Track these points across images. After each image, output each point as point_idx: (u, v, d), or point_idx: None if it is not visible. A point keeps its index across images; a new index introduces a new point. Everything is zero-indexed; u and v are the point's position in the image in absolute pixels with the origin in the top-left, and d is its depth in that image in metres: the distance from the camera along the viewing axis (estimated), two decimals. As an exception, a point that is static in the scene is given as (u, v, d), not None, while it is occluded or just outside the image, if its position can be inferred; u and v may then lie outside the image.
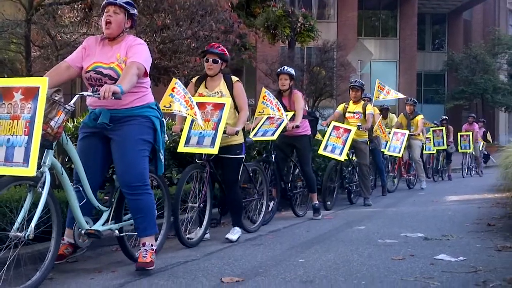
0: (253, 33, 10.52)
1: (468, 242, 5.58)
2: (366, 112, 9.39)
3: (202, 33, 8.63)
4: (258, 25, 16.35)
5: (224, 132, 5.62)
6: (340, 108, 9.80)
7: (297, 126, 7.29)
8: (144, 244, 4.42)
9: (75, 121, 7.60)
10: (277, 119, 7.18)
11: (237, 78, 6.04)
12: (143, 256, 4.34)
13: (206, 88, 5.96)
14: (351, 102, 9.66)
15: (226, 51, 5.98)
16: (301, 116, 7.45)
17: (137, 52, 4.31)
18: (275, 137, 7.15)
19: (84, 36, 8.08)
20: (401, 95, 11.14)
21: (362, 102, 9.66)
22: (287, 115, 7.28)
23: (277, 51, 20.56)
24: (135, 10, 4.52)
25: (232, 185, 5.99)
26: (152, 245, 4.43)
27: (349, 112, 9.59)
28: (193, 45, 9.18)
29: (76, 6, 9.20)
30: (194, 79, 6.20)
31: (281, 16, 16.18)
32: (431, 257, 4.82)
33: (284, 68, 7.82)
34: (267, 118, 7.27)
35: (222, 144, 5.69)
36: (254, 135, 7.22)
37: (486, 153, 19.11)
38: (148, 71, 4.40)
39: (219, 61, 5.85)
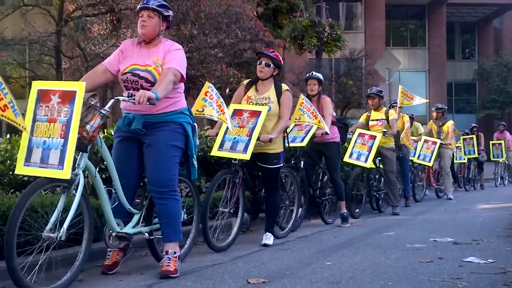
0: (279, 42, 10.57)
1: (498, 246, 5.52)
2: (390, 118, 9.31)
3: (228, 41, 8.72)
4: (285, 36, 16.40)
5: (258, 138, 5.65)
6: (363, 118, 9.75)
7: (327, 133, 7.28)
8: (167, 252, 4.45)
9: (105, 131, 7.70)
10: (305, 126, 7.18)
11: (287, 87, 6.05)
12: (167, 265, 4.38)
13: (256, 91, 6.01)
14: (372, 110, 9.61)
15: (280, 58, 6.02)
16: (329, 122, 7.45)
17: (175, 58, 4.36)
18: (304, 143, 7.16)
19: (113, 48, 8.24)
20: (425, 100, 11.05)
21: (384, 108, 9.59)
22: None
23: (305, 61, 20.59)
24: (170, 11, 4.55)
25: (271, 191, 6.04)
26: (175, 253, 4.45)
27: (372, 120, 9.51)
28: (220, 54, 9.27)
29: (104, 19, 9.37)
30: (245, 82, 6.28)
31: (307, 26, 16.21)
32: (460, 259, 4.79)
33: (312, 73, 7.87)
34: (296, 125, 7.28)
35: (260, 151, 5.74)
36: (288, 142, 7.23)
37: None
38: (184, 76, 4.44)
39: (271, 65, 5.90)
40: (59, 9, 8.90)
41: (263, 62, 5.89)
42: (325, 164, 7.93)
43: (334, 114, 8.05)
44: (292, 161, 7.65)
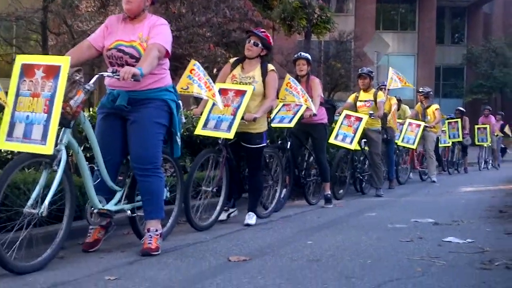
0: (268, 22, 10.54)
1: (478, 227, 5.60)
2: (378, 100, 9.29)
3: (216, 20, 8.69)
4: (274, 17, 16.34)
5: (243, 118, 5.65)
6: (351, 98, 9.73)
7: (315, 114, 7.29)
8: (149, 230, 4.44)
9: (91, 110, 7.67)
10: (294, 106, 7.17)
11: (273, 68, 6.05)
12: (148, 242, 4.38)
13: (242, 69, 6.00)
14: (361, 91, 9.60)
15: (270, 40, 6.01)
16: (318, 103, 7.44)
17: (160, 33, 4.33)
18: (292, 124, 7.13)
19: (100, 25, 8.16)
20: (410, 85, 11.17)
21: (373, 90, 9.57)
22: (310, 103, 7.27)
23: (294, 43, 20.55)
24: None
25: (254, 171, 6.06)
26: (156, 230, 4.45)
27: (360, 101, 9.46)
28: (208, 34, 9.24)
29: (93, -4, 9.32)
30: (231, 60, 6.28)
31: (297, 7, 16.10)
32: (440, 239, 4.86)
33: (300, 53, 7.86)
34: (284, 105, 7.27)
35: (243, 130, 5.74)
36: (271, 122, 7.24)
37: (503, 146, 18.91)
38: (170, 51, 4.42)
39: (260, 44, 5.88)
40: (46, -15, 8.80)
41: (252, 41, 5.88)
42: (312, 145, 7.94)
43: (322, 96, 8.05)
44: (279, 142, 7.67)
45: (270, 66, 6.00)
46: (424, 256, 4.16)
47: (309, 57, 7.72)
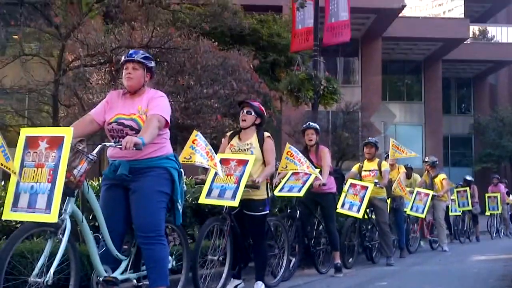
0: (275, 93, 10.72)
1: (490, 296, 5.48)
2: (382, 169, 9.32)
3: (223, 92, 8.85)
4: (281, 88, 16.59)
5: (246, 186, 5.68)
6: (355, 168, 9.76)
7: (324, 184, 7.33)
8: None
9: (100, 180, 7.73)
10: (302, 175, 7.22)
11: (269, 134, 6.15)
12: None
13: (239, 139, 6.09)
14: (365, 161, 9.62)
15: (262, 108, 6.14)
16: (327, 173, 7.50)
17: (158, 105, 4.45)
18: (301, 193, 7.18)
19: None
20: (414, 154, 11.23)
21: (377, 159, 9.62)
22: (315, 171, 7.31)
23: (301, 113, 20.78)
24: (153, 62, 4.67)
25: (258, 239, 6.03)
26: None
27: (365, 170, 9.50)
28: (216, 105, 9.40)
29: (103, 69, 9.53)
30: (228, 133, 6.38)
31: (304, 79, 16.33)
32: (451, 309, 4.75)
33: (309, 123, 7.97)
34: (292, 174, 7.31)
35: (246, 197, 5.74)
36: (280, 191, 7.27)
37: (511, 214, 18.70)
38: (169, 122, 4.51)
39: (253, 112, 6.00)
40: (58, 59, 9.05)
41: (245, 110, 6.02)
42: (321, 214, 7.93)
43: (331, 165, 8.09)
44: (288, 210, 7.67)
45: (266, 134, 6.10)
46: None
47: (318, 127, 7.82)
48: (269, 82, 16.77)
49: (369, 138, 10.17)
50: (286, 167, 7.02)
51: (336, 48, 30.74)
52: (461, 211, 15.03)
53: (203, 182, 5.99)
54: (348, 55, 34.66)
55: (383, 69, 34.31)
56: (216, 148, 6.12)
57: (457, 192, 15.12)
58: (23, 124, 11.85)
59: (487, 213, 16.94)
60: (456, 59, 35.94)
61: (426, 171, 12.80)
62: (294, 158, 6.98)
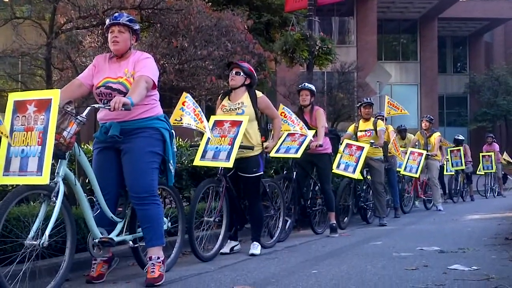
0: (269, 54, 10.63)
1: (483, 254, 5.54)
2: (378, 129, 9.32)
3: (217, 53, 8.77)
4: (276, 49, 16.47)
5: (241, 147, 5.71)
6: (351, 129, 9.77)
7: (320, 145, 7.35)
8: (150, 258, 4.47)
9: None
10: (299, 136, 7.23)
11: (261, 93, 6.18)
12: (151, 271, 4.40)
13: (229, 100, 6.08)
14: (361, 121, 9.63)
15: (251, 68, 6.14)
16: (323, 134, 7.52)
17: (145, 66, 4.45)
18: (298, 155, 7.20)
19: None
20: (406, 112, 11.34)
21: (372, 119, 9.60)
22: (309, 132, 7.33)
23: (296, 74, 20.70)
24: (138, 25, 4.65)
25: (253, 200, 6.07)
26: (158, 258, 4.47)
27: (360, 131, 9.51)
28: (210, 66, 9.32)
29: (96, 31, 9.41)
30: (221, 95, 6.37)
31: (299, 39, 16.23)
32: (445, 267, 4.80)
33: (304, 84, 7.95)
34: (288, 135, 7.32)
35: (240, 156, 5.76)
36: (276, 152, 7.28)
37: (503, 173, 18.81)
38: (156, 83, 4.53)
39: (242, 73, 5.98)
40: (50, 22, 8.92)
41: (234, 71, 6.02)
42: (317, 175, 7.96)
43: (326, 126, 8.09)
44: (284, 172, 7.69)
45: (258, 93, 6.13)
46: (429, 284, 4.11)
47: (313, 88, 7.79)
48: (263, 43, 16.62)
49: (365, 98, 10.14)
50: (281, 128, 7.03)
51: (331, 8, 30.42)
52: (455, 171, 15.12)
53: (198, 145, 6.01)
54: (343, 15, 34.37)
55: (378, 28, 34.09)
56: (213, 110, 6.15)
57: (451, 151, 15.18)
58: (17, 88, 11.76)
59: (480, 173, 17.01)
60: (452, 17, 35.73)
61: (422, 130, 12.76)
62: (287, 118, 7.01)
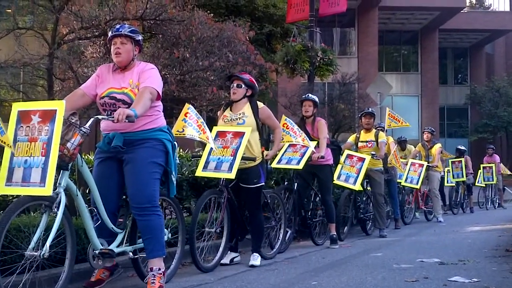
0: (270, 65, 10.66)
1: (484, 266, 5.54)
2: (379, 140, 9.32)
3: (219, 64, 8.79)
4: (277, 60, 16.52)
5: (243, 158, 5.72)
6: (352, 138, 9.76)
7: (322, 157, 7.37)
8: (151, 269, 4.46)
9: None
10: (300, 147, 7.25)
11: (263, 104, 6.21)
12: (152, 282, 4.39)
13: (231, 111, 6.11)
14: (362, 131, 9.62)
15: (252, 79, 6.15)
16: (325, 145, 7.53)
17: (150, 77, 4.46)
18: (300, 166, 7.22)
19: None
20: (407, 124, 11.38)
21: (374, 130, 9.62)
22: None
23: (297, 85, 20.73)
24: (140, 36, 4.67)
25: (254, 211, 6.07)
26: (159, 269, 4.46)
27: (362, 141, 9.50)
28: (212, 77, 9.34)
29: (98, 42, 9.44)
30: (223, 106, 6.39)
31: (300, 50, 16.31)
32: (445, 279, 4.81)
33: (308, 95, 7.97)
34: (290, 146, 7.34)
35: (241, 167, 5.78)
36: (278, 163, 7.31)
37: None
38: (161, 94, 4.53)
39: (243, 85, 6.00)
40: (52, 32, 8.94)
41: (235, 84, 6.03)
42: (318, 186, 7.96)
43: (328, 137, 8.10)
44: (285, 183, 7.70)
45: (260, 103, 6.16)
46: (429, 295, 4.13)
47: (316, 99, 7.82)
48: (265, 53, 16.68)
49: (367, 108, 10.15)
50: (282, 139, 7.05)
51: (332, 19, 30.57)
52: (455, 182, 15.11)
53: (199, 155, 6.02)
54: (344, 26, 34.49)
55: (379, 39, 34.18)
56: (214, 121, 6.17)
57: (452, 163, 15.19)
58: (18, 98, 11.79)
59: (480, 184, 16.95)
60: (453, 29, 35.80)
61: (424, 141, 12.80)
62: (290, 130, 7.03)
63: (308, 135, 7.52)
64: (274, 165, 7.37)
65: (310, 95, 7.96)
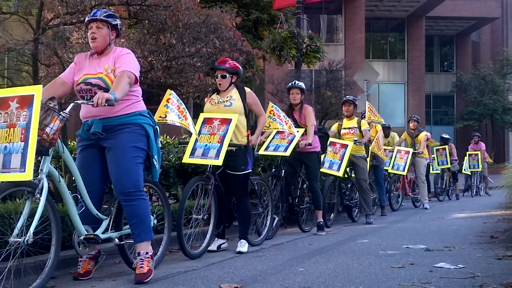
0: (257, 51, 10.59)
1: (469, 252, 5.58)
2: (362, 128, 9.34)
3: (205, 50, 8.72)
4: (264, 47, 16.47)
5: (231, 145, 5.72)
6: (334, 127, 9.77)
7: (309, 144, 7.37)
8: (139, 254, 4.46)
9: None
10: (288, 134, 7.24)
11: (250, 90, 6.19)
12: (140, 267, 4.40)
13: (218, 95, 6.09)
14: (344, 119, 9.64)
15: (235, 64, 6.10)
16: (312, 132, 7.53)
17: (126, 61, 4.44)
18: (288, 153, 7.21)
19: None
20: (381, 120, 11.53)
21: (356, 118, 9.62)
22: (298, 131, 7.34)
23: (284, 72, 20.72)
24: (118, 20, 4.63)
25: (241, 198, 6.07)
26: (147, 253, 4.47)
27: (344, 128, 9.52)
28: (198, 64, 9.27)
29: (83, 27, 9.33)
30: (209, 93, 6.37)
31: (287, 37, 16.29)
32: (431, 265, 4.84)
33: (295, 82, 7.94)
34: (277, 133, 7.33)
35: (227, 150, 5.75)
36: (265, 149, 7.30)
37: None
38: (138, 78, 4.52)
39: (227, 75, 5.97)
40: (37, 17, 8.82)
41: (219, 75, 6.01)
42: (305, 173, 7.97)
43: (315, 124, 8.09)
44: (273, 169, 7.70)
45: (247, 89, 6.14)
46: (415, 282, 4.14)
47: (303, 86, 7.79)
48: (251, 40, 16.59)
49: (347, 95, 10.16)
50: (269, 126, 7.05)
51: (319, 6, 30.53)
52: (441, 170, 15.21)
53: (186, 142, 6.00)
54: (331, 13, 34.44)
55: (366, 27, 34.18)
56: (201, 107, 6.17)
57: (436, 150, 15.28)
58: (3, 84, 11.65)
59: (466, 172, 17.05)
60: (439, 16, 35.88)
61: (410, 129, 12.87)
62: (276, 117, 7.01)
63: (296, 122, 7.52)
64: (261, 152, 7.36)
65: (297, 82, 7.93)
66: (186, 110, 5.40)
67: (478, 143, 17.55)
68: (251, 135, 6.11)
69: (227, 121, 5.76)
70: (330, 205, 8.86)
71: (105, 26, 4.50)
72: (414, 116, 13.11)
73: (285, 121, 7.05)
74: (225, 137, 5.67)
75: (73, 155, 4.94)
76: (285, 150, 7.21)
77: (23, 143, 3.71)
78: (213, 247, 6.02)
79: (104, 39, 4.50)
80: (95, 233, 4.39)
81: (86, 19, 4.54)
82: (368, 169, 9.97)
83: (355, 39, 32.73)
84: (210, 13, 9.51)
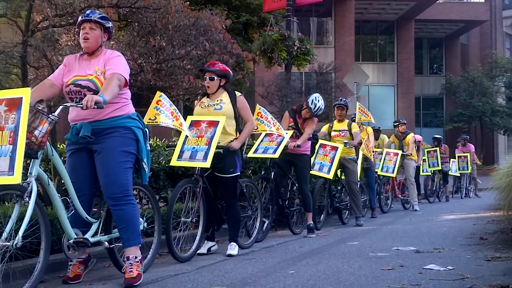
0: (247, 54, 10.58)
1: (458, 254, 5.60)
2: (353, 131, 9.37)
3: (195, 52, 8.71)
4: (254, 49, 16.49)
5: (218, 147, 5.69)
6: (325, 128, 9.79)
7: (298, 146, 7.37)
8: (128, 258, 4.44)
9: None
10: (276, 136, 7.25)
11: (240, 94, 6.18)
12: (129, 271, 4.38)
13: (208, 98, 6.08)
14: (335, 121, 9.65)
15: (225, 68, 6.08)
16: (306, 138, 7.57)
17: (116, 64, 4.43)
18: (276, 155, 7.22)
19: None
20: (371, 119, 11.63)
21: (347, 120, 9.66)
22: (287, 133, 7.35)
23: (274, 74, 20.72)
24: (110, 23, 4.63)
25: (230, 201, 6.06)
26: (136, 257, 4.45)
27: (335, 130, 9.53)
28: (188, 66, 9.25)
29: (72, 30, 9.29)
30: (199, 96, 6.35)
31: (277, 40, 16.34)
32: (421, 267, 4.85)
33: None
34: (266, 135, 7.34)
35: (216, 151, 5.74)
36: (254, 152, 7.30)
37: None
38: (128, 81, 4.51)
39: (215, 78, 5.96)
40: (26, 20, 8.77)
41: (207, 77, 6.00)
42: (295, 175, 7.97)
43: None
44: (263, 172, 7.70)
45: (237, 93, 6.13)
46: (405, 284, 4.15)
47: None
48: (241, 43, 16.59)
49: (339, 99, 10.20)
50: (257, 128, 7.05)
51: (309, 8, 30.59)
52: (431, 171, 15.26)
53: (175, 145, 5.98)
54: (321, 16, 34.51)
55: (356, 29, 34.27)
56: (191, 110, 6.14)
57: (428, 152, 15.34)
58: (-8, 86, 11.58)
59: (455, 174, 17.09)
60: (429, 19, 36.05)
61: (395, 134, 12.95)
62: (264, 119, 7.03)
63: (297, 125, 7.58)
64: (250, 154, 7.37)
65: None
66: (178, 111, 5.38)
67: (466, 145, 17.60)
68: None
69: (214, 124, 5.75)
70: (320, 207, 8.86)
71: (98, 27, 4.49)
72: (402, 119, 13.22)
73: (273, 123, 7.06)
74: (212, 139, 5.66)
75: (62, 158, 4.91)
76: (274, 152, 7.22)
77: (11, 146, 3.68)
78: (203, 250, 6.00)
79: (96, 40, 4.49)
80: (84, 236, 4.37)
81: (80, 18, 4.52)
82: (360, 172, 9.97)
83: (345, 42, 32.81)
84: (200, 16, 9.49)
